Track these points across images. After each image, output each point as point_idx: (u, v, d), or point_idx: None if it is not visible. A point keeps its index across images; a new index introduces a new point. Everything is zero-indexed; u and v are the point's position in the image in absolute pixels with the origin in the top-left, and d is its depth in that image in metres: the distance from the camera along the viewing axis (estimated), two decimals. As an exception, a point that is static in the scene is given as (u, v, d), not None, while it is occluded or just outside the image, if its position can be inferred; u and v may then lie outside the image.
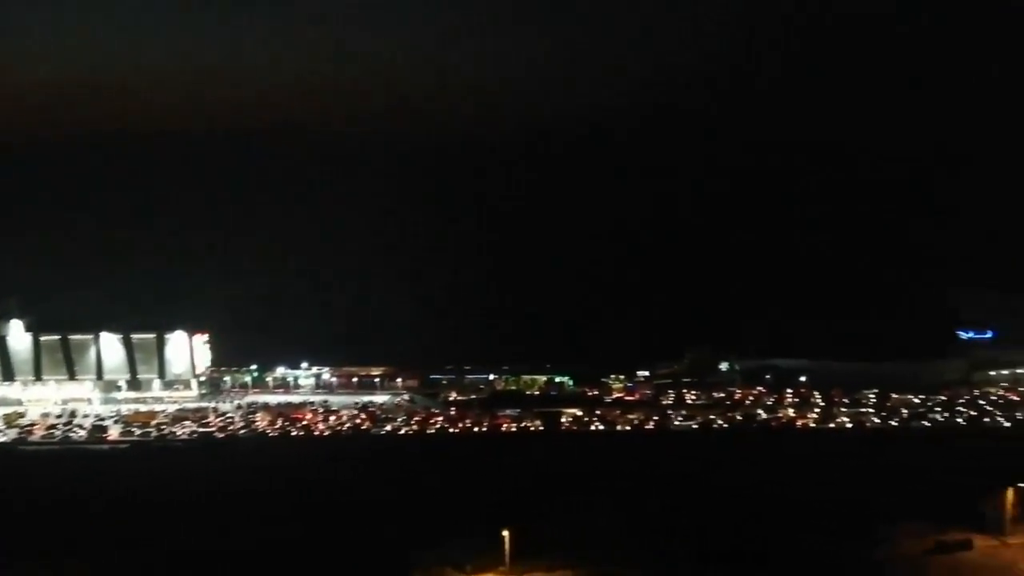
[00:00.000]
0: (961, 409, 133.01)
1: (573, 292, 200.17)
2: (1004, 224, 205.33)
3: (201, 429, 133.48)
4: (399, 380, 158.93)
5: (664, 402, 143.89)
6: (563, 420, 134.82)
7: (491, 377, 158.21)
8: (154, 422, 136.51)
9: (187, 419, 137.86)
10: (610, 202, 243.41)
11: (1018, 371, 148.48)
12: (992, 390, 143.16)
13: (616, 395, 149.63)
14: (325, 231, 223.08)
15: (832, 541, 76.91)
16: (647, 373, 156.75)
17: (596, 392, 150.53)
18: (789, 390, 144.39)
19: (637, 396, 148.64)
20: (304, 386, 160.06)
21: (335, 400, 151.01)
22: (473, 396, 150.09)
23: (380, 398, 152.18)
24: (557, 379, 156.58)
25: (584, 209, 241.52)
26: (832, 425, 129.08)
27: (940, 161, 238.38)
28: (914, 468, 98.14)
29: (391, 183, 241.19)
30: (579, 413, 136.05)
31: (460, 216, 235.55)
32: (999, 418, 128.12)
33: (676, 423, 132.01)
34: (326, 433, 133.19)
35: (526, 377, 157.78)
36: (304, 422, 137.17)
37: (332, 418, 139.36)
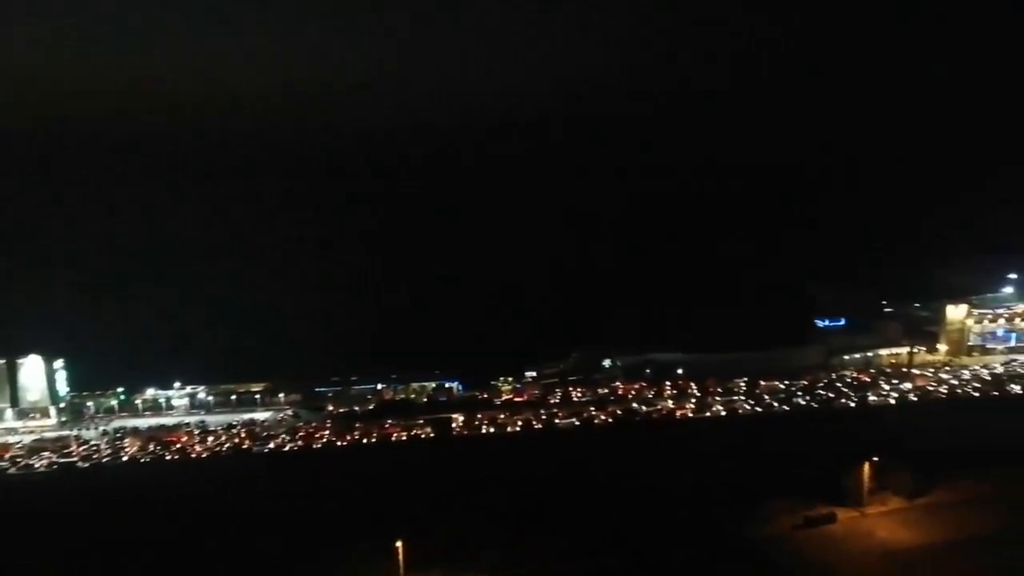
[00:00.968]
0: (820, 392, 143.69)
1: (460, 296, 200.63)
2: (855, 223, 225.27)
3: (62, 460, 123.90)
4: (281, 395, 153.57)
5: (551, 401, 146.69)
6: (454, 425, 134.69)
7: (379, 387, 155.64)
8: (8, 455, 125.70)
9: (46, 449, 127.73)
10: (499, 207, 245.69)
11: (868, 354, 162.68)
12: (847, 373, 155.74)
13: (505, 397, 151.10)
14: (193, 243, 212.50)
15: (708, 523, 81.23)
16: (534, 373, 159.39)
17: (486, 395, 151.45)
18: (668, 383, 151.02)
19: (526, 397, 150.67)
20: (178, 407, 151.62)
21: (212, 420, 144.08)
22: (355, 408, 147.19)
23: (262, 415, 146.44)
24: (446, 384, 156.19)
25: (472, 215, 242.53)
26: (708, 414, 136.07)
27: (799, 168, 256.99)
28: (781, 449, 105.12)
29: (260, 189, 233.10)
30: (463, 419, 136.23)
31: (344, 221, 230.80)
32: (851, 399, 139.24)
33: (558, 422, 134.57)
34: (204, 455, 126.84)
35: (415, 384, 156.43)
36: (179, 445, 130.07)
37: (210, 439, 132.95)
